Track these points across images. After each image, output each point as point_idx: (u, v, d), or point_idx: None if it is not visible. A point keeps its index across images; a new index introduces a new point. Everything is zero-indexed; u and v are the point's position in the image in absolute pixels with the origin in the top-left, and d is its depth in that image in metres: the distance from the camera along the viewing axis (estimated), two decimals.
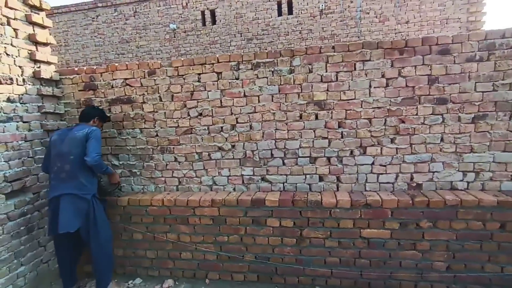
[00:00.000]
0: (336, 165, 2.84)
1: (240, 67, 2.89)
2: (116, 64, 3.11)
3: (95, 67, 3.16)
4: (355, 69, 2.71)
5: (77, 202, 2.63)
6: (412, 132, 2.68)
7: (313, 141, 2.85)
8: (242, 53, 2.90)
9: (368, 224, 2.62)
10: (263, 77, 2.86)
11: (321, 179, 2.91)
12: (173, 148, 3.11)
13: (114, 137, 3.21)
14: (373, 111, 2.72)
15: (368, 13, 6.79)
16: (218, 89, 2.95)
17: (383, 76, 2.67)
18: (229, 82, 2.92)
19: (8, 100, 2.73)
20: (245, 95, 2.92)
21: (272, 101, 2.88)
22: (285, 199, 2.73)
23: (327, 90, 2.77)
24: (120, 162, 3.23)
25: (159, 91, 3.05)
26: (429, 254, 2.57)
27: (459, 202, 2.46)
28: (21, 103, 2.85)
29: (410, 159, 2.71)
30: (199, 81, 2.98)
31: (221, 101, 2.96)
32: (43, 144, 3.07)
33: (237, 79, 2.92)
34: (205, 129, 3.03)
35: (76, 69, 3.21)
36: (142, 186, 3.24)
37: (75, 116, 3.26)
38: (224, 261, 2.92)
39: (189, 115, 3.02)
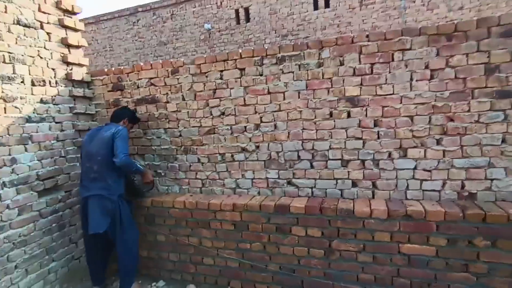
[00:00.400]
0: (372, 169, 2.52)
1: (264, 62, 2.70)
2: (141, 64, 3.09)
3: (122, 67, 3.19)
4: (393, 60, 2.36)
5: (104, 203, 2.64)
6: (463, 132, 2.27)
7: (345, 142, 2.56)
8: (266, 47, 2.70)
9: (409, 238, 2.27)
10: (289, 72, 2.64)
11: (354, 184, 2.60)
12: (196, 148, 3.01)
13: (140, 137, 3.20)
14: (415, 107, 2.35)
15: (414, 1, 6.16)
16: (241, 86, 2.79)
17: (427, 67, 2.29)
18: (253, 79, 2.74)
19: (41, 101, 2.84)
20: (269, 92, 2.72)
21: (299, 98, 2.64)
22: (312, 206, 2.48)
23: (361, 84, 2.46)
24: (146, 163, 3.22)
25: (182, 90, 2.97)
26: (486, 279, 2.15)
27: None
28: (53, 104, 2.95)
29: (461, 163, 2.30)
30: (221, 78, 2.84)
31: (244, 99, 2.79)
32: (75, 144, 3.16)
33: (261, 75, 2.73)
34: (228, 129, 2.88)
35: (105, 70, 3.27)
36: (166, 187, 3.19)
37: (105, 117, 3.32)
38: (246, 270, 2.74)
39: (211, 114, 2.90)
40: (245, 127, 2.82)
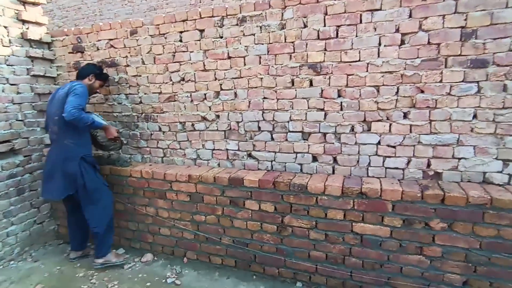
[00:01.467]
0: (333, 143, 2.33)
1: (224, 23, 2.47)
2: (101, 24, 2.89)
3: (81, 27, 2.99)
4: (360, 21, 2.11)
5: (65, 166, 2.51)
6: (433, 105, 2.04)
7: (306, 113, 2.36)
8: (226, 6, 2.45)
9: (363, 217, 2.12)
10: (250, 35, 2.40)
11: (314, 159, 2.44)
12: (157, 116, 2.86)
13: (101, 103, 3.06)
14: (382, 76, 2.12)
15: None
16: (200, 49, 2.57)
17: (397, 30, 2.04)
18: (213, 41, 2.52)
19: None
20: (229, 57, 2.50)
21: (260, 63, 2.42)
22: (265, 179, 2.34)
23: (325, 49, 2.22)
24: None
25: (142, 53, 2.77)
26: (440, 262, 2.01)
27: (489, 201, 1.83)
28: (7, 65, 2.80)
29: (428, 140, 2.09)
30: (181, 40, 2.63)
31: (204, 64, 2.59)
32: (35, 108, 3.05)
33: (221, 37, 2.50)
34: (188, 96, 2.70)
35: (65, 30, 3.08)
36: (129, 156, 3.08)
37: (67, 80, 3.16)
38: (201, 242, 2.67)
39: (171, 80, 2.72)
40: (205, 94, 2.64)
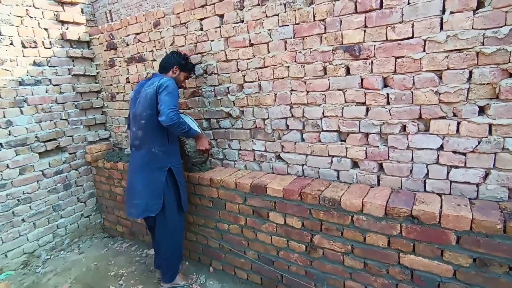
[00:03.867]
0: (377, 146, 1.82)
1: (244, 4, 2.10)
2: (128, 18, 2.79)
3: (113, 23, 2.95)
4: None
5: (151, 178, 2.15)
6: None
7: (342, 109, 1.89)
8: None
9: (414, 247, 1.60)
10: (273, 15, 2.00)
11: (355, 165, 1.96)
12: (182, 112, 2.67)
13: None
14: (447, 57, 1.52)
15: None
16: (221, 37, 2.26)
17: None
18: (233, 27, 2.19)
19: (34, 63, 2.82)
20: (251, 44, 2.14)
21: (285, 49, 2.01)
22: (290, 189, 1.95)
23: (365, 26, 1.69)
24: None
25: (165, 46, 2.59)
26: None
27: None
28: (49, 66, 2.92)
29: None
30: (201, 29, 2.36)
31: (225, 53, 2.28)
32: (77, 107, 3.16)
33: (242, 21, 2.15)
34: (211, 90, 2.44)
35: (100, 27, 3.08)
36: None
37: (105, 78, 3.21)
38: (226, 252, 2.43)
39: (194, 73, 2.48)
40: (228, 88, 2.34)
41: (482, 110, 1.51)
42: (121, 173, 3.03)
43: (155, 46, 2.67)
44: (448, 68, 1.53)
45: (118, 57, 2.99)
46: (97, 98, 3.32)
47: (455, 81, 1.52)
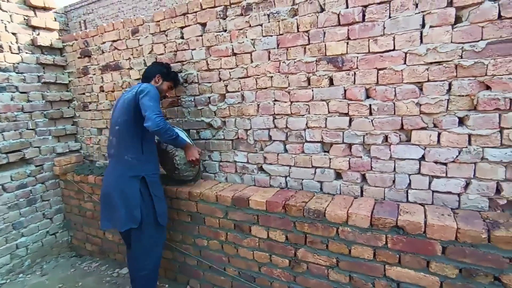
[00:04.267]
0: (361, 157, 1.81)
1: (227, 14, 2.08)
2: (104, 25, 2.69)
3: (88, 30, 2.83)
4: None
5: (124, 188, 2.01)
6: (506, 107, 1.43)
7: (326, 119, 1.88)
8: None
9: (399, 259, 1.58)
10: (257, 25, 1.99)
11: (338, 176, 1.94)
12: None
13: (108, 109, 2.87)
14: (427, 69, 1.55)
15: None
16: (203, 46, 2.22)
17: (450, 3, 1.47)
18: (216, 36, 2.15)
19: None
20: (234, 53, 2.11)
21: (269, 59, 1.99)
22: (273, 201, 1.89)
23: (348, 38, 1.72)
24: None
25: (144, 54, 2.51)
26: None
27: None
28: (16, 72, 2.74)
29: (497, 155, 1.48)
30: (182, 37, 2.30)
31: (207, 62, 2.23)
32: (46, 116, 2.96)
33: (224, 30, 2.12)
34: (191, 100, 2.37)
35: (74, 34, 2.95)
36: None
37: (77, 86, 3.05)
38: (205, 270, 2.30)
39: (178, 83, 2.40)
40: (209, 98, 2.28)
41: (461, 121, 1.55)
42: (92, 187, 2.84)
43: (132, 54, 2.57)
44: (428, 80, 1.56)
45: (92, 65, 2.86)
46: (68, 108, 3.14)
47: (435, 93, 1.56)
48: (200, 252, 2.29)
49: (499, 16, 1.39)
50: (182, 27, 2.28)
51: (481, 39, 1.44)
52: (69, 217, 3.15)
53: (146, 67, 2.28)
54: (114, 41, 2.65)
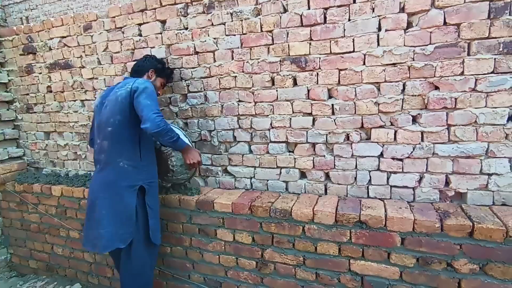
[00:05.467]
0: (324, 156, 1.86)
1: (188, 11, 2.03)
2: (52, 19, 2.47)
3: (32, 24, 2.58)
4: (354, 1, 1.65)
5: (117, 199, 1.73)
6: (452, 106, 1.56)
7: (290, 119, 1.89)
8: None
9: (363, 253, 1.63)
10: (219, 24, 1.96)
11: (303, 175, 1.96)
12: None
13: (57, 111, 2.63)
14: (384, 70, 1.64)
15: None
16: (163, 44, 2.14)
17: (402, 9, 1.57)
18: (176, 34, 2.08)
19: None
20: (196, 52, 2.06)
21: (232, 59, 1.97)
22: (239, 203, 1.86)
23: (310, 39, 1.76)
24: (65, 143, 2.66)
25: (97, 51, 2.35)
26: None
27: None
28: None
29: (446, 150, 1.61)
30: (140, 35, 2.20)
31: (167, 61, 2.14)
32: None
33: (186, 29, 2.06)
34: None
35: (15, 28, 2.67)
36: (88, 172, 2.64)
37: (19, 86, 2.76)
38: (167, 279, 2.19)
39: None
40: (170, 98, 2.20)
41: (414, 119, 1.65)
42: (38, 197, 2.57)
43: (84, 52, 2.39)
44: (385, 81, 1.65)
45: (38, 62, 2.60)
46: (8, 110, 2.82)
47: (391, 93, 1.65)
48: (162, 261, 2.17)
49: (445, 23, 1.52)
50: (140, 24, 2.17)
51: (430, 43, 1.55)
52: (8, 232, 2.82)
53: (136, 61, 2.00)
54: (63, 37, 2.45)
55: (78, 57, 2.42)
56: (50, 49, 2.52)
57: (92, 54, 2.37)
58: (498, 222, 1.39)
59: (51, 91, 2.61)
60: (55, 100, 2.60)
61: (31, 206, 2.60)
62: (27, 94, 2.74)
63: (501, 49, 1.44)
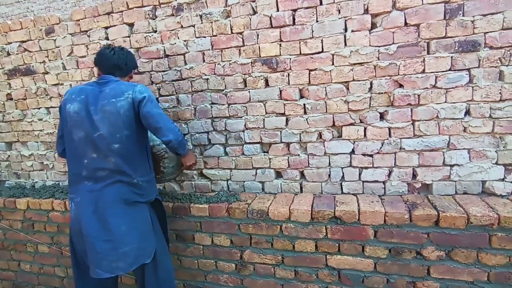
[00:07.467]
0: (298, 154, 1.89)
1: (157, 14, 1.99)
2: (9, 22, 2.34)
3: None
4: (321, 3, 1.69)
5: (138, 216, 1.60)
6: (416, 102, 1.64)
7: (263, 120, 1.91)
8: None
9: (339, 248, 1.67)
10: (189, 26, 1.94)
11: (278, 175, 1.99)
12: None
13: (20, 119, 2.49)
14: (351, 70, 1.70)
15: None
16: (131, 47, 2.08)
17: (366, 11, 1.64)
18: (145, 37, 2.04)
19: None
20: (166, 55, 2.03)
21: (204, 61, 1.96)
22: (216, 206, 1.85)
23: (280, 40, 1.79)
24: (30, 153, 2.52)
25: (62, 56, 2.25)
26: None
27: (495, 221, 1.42)
28: None
29: (412, 145, 1.69)
30: (107, 38, 2.13)
31: (137, 64, 2.09)
32: None
33: (154, 31, 2.03)
34: None
35: None
36: (56, 182, 2.52)
37: None
38: None
39: None
40: None
41: (382, 116, 1.72)
42: (0, 212, 2.41)
43: (47, 56, 2.28)
44: (353, 80, 1.71)
45: None
46: None
47: (360, 91, 1.71)
48: None
49: (405, 23, 1.60)
50: (106, 27, 2.11)
51: (393, 43, 1.63)
52: None
53: (113, 54, 1.66)
54: (23, 41, 2.32)
55: (41, 62, 2.31)
56: (9, 54, 2.38)
57: (56, 59, 2.27)
58: (460, 210, 1.48)
59: (11, 99, 2.46)
60: (16, 108, 2.46)
61: None
62: None
63: (457, 48, 1.54)
